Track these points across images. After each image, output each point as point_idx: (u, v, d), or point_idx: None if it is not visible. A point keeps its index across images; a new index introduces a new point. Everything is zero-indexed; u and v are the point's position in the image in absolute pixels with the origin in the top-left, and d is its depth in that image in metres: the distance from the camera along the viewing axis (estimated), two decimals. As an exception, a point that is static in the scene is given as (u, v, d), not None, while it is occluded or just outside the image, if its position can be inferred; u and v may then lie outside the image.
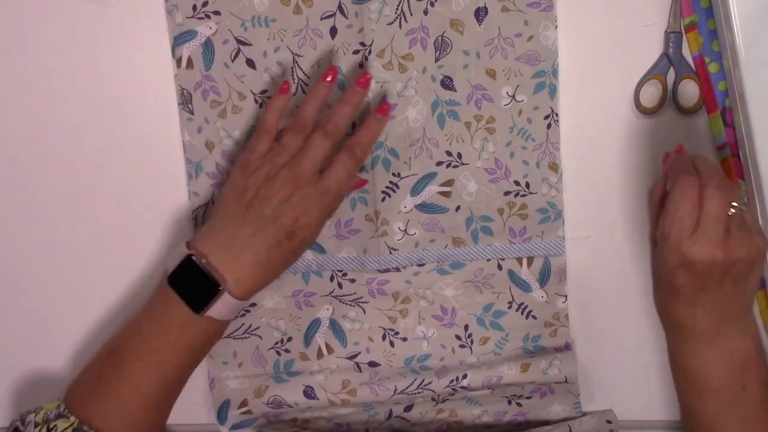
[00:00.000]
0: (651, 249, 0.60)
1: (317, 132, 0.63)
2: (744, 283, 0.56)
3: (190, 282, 0.61)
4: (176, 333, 0.62)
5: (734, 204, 0.55)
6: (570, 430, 0.70)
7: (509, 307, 0.72)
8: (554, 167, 0.70)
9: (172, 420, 0.67)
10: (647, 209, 0.60)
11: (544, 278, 0.71)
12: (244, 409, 0.73)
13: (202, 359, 0.66)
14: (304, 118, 0.64)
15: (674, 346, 0.61)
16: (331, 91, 0.66)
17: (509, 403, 0.72)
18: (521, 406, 0.72)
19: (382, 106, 0.66)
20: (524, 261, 0.71)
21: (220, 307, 0.62)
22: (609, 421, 0.71)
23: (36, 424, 0.61)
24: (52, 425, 0.61)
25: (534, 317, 0.72)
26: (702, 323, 0.58)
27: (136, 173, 0.72)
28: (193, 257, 0.61)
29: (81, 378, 0.65)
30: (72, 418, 0.61)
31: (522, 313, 0.72)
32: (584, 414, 0.73)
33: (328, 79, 0.65)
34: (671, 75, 0.68)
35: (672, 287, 0.57)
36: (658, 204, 0.58)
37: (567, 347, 0.72)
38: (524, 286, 0.72)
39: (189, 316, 0.61)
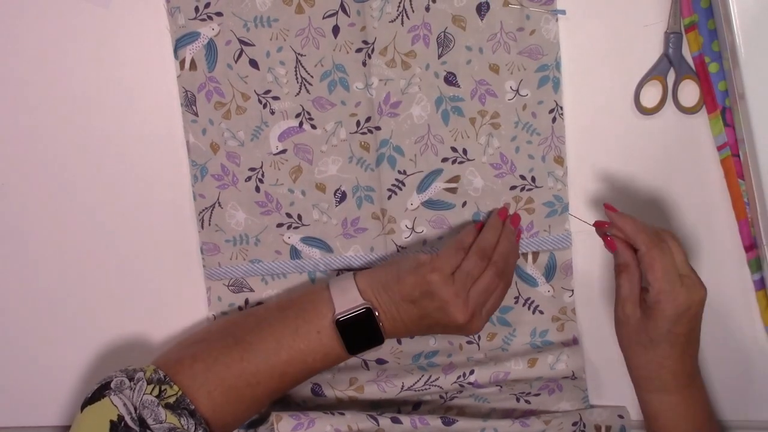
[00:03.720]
0: (625, 317, 0.63)
1: (491, 269, 0.65)
2: (698, 327, 0.63)
3: (356, 328, 0.65)
4: (314, 356, 0.65)
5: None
6: (581, 418, 0.70)
7: (516, 303, 0.72)
8: (560, 161, 0.70)
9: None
10: (616, 285, 0.64)
11: (550, 273, 0.71)
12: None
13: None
14: (486, 248, 0.66)
15: (650, 394, 0.64)
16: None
17: (518, 400, 0.72)
18: (530, 403, 0.72)
19: (513, 218, 0.70)
20: (529, 255, 0.71)
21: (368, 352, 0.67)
22: (621, 416, 0.71)
23: (148, 381, 0.62)
24: (163, 387, 0.61)
25: (541, 312, 0.72)
26: (687, 369, 0.63)
27: (140, 176, 0.72)
28: (373, 312, 0.64)
29: (190, 352, 0.65)
30: (175, 388, 0.62)
31: (529, 308, 0.72)
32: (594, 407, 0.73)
33: (502, 218, 0.70)
34: (671, 75, 0.68)
35: (670, 339, 0.61)
36: (627, 271, 0.63)
37: (574, 341, 0.72)
38: (530, 281, 0.72)
39: (336, 350, 0.65)
